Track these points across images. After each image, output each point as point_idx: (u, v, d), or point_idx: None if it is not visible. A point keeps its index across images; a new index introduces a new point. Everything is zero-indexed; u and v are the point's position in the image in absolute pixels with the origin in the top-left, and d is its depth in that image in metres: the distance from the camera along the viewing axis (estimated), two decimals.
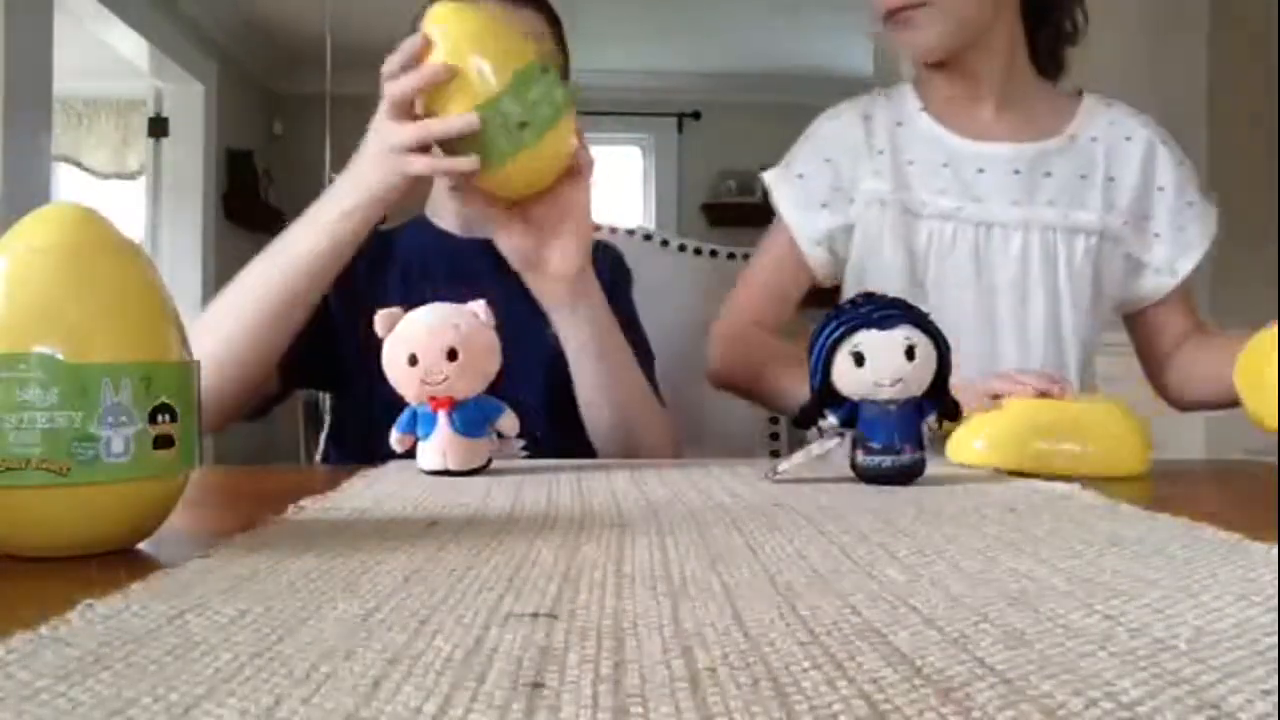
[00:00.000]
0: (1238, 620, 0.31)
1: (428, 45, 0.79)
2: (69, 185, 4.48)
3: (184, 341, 0.45)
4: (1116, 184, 1.10)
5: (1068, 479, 0.64)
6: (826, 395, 0.65)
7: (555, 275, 0.88)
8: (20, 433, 0.40)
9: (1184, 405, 1.14)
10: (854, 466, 0.66)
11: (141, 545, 0.45)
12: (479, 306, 0.71)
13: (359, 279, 0.97)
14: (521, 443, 0.91)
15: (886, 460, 0.64)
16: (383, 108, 0.82)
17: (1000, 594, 0.34)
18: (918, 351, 0.63)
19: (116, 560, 0.42)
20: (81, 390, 0.40)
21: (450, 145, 0.80)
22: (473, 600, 0.33)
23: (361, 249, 0.88)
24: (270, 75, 4.90)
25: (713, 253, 1.37)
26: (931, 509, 0.54)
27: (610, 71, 4.85)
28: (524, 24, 0.97)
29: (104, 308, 0.42)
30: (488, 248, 0.94)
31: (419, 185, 0.85)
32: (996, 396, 0.80)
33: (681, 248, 1.37)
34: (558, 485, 0.64)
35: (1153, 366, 1.17)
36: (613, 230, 1.33)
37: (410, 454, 0.71)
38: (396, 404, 0.70)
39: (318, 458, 1.16)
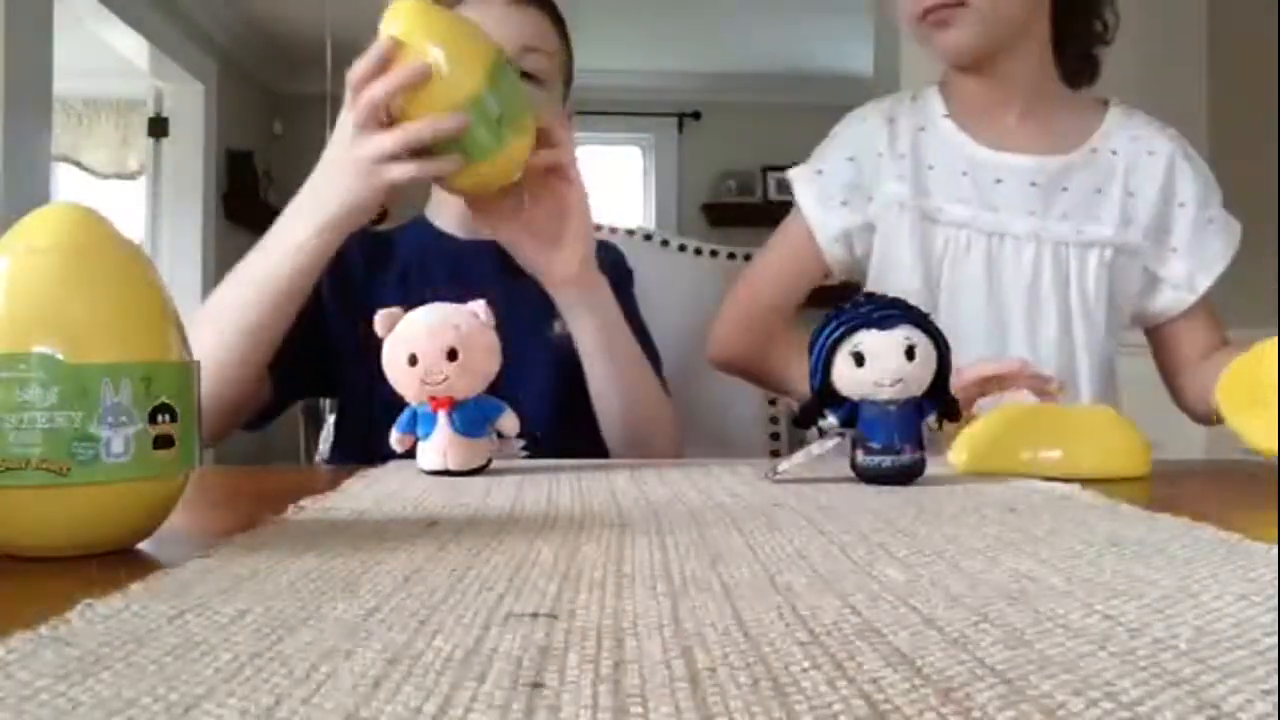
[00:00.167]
0: (1238, 620, 0.31)
1: (397, 46, 0.77)
2: (69, 185, 4.48)
3: (184, 341, 0.45)
4: (1136, 198, 1.10)
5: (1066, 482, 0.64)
6: (826, 395, 0.65)
7: (561, 279, 0.89)
8: (20, 433, 0.40)
9: (1203, 419, 1.14)
10: (854, 466, 0.66)
11: (141, 545, 0.45)
12: (479, 306, 0.71)
13: (358, 279, 0.97)
14: (521, 443, 0.91)
15: (886, 460, 0.64)
16: (351, 116, 0.79)
17: (1000, 594, 0.34)
18: (918, 351, 0.63)
19: (116, 560, 0.42)
20: (81, 390, 0.40)
21: (426, 147, 0.79)
22: (473, 600, 0.33)
23: (359, 250, 0.87)
24: (270, 75, 4.90)
25: (713, 253, 1.37)
26: (931, 509, 0.54)
27: (610, 71, 4.85)
28: (529, 23, 0.97)
29: (104, 308, 0.42)
30: (488, 248, 0.94)
31: (397, 191, 0.82)
32: (988, 382, 0.81)
33: (681, 248, 1.37)
34: (558, 485, 0.64)
35: (1172, 380, 1.16)
36: (613, 230, 1.33)
37: (410, 454, 0.71)
38: (396, 404, 0.70)
39: (318, 458, 1.16)
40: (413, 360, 0.68)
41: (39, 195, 2.75)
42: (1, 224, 0.45)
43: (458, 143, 0.79)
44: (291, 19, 4.32)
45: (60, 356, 0.40)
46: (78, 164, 4.57)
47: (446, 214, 1.06)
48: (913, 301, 0.66)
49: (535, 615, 0.31)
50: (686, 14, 4.43)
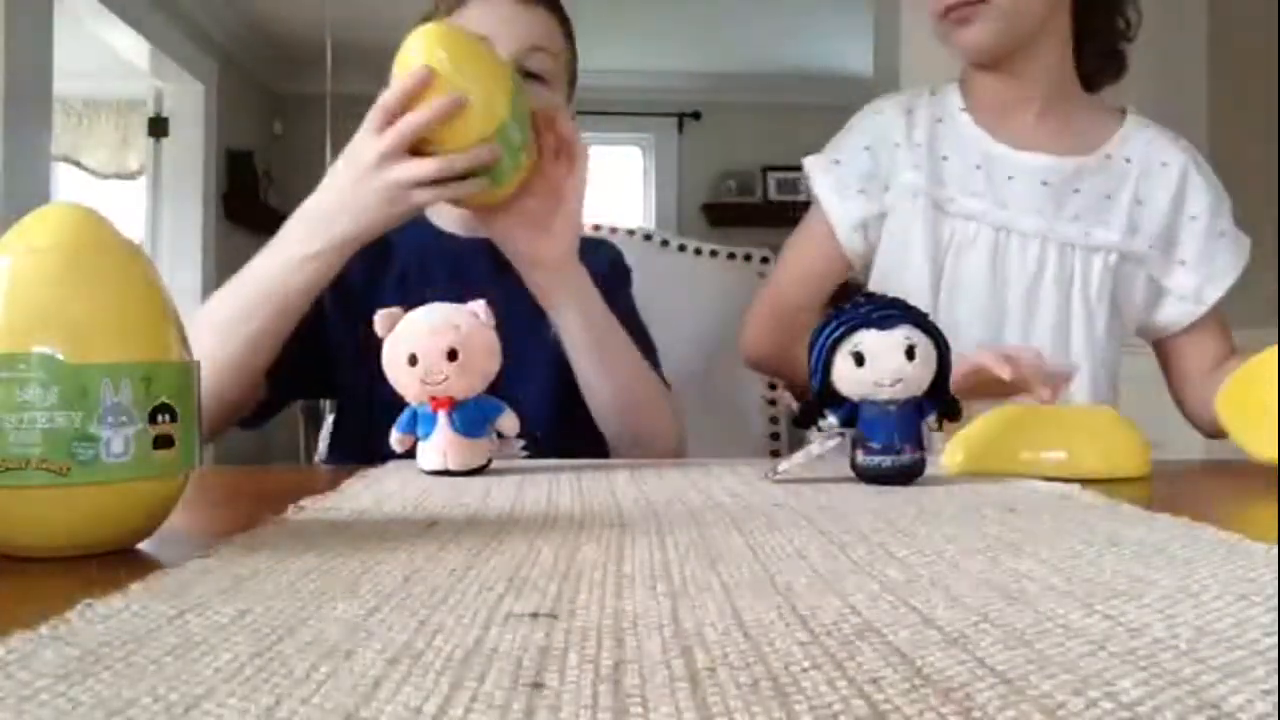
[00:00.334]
0: (1238, 620, 0.31)
1: (431, 76, 0.78)
2: (69, 185, 4.48)
3: (184, 341, 0.45)
4: (1145, 207, 1.10)
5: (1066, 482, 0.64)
6: (826, 395, 0.65)
7: (545, 262, 0.89)
8: (20, 433, 0.40)
9: (1209, 431, 1.13)
10: (854, 466, 0.66)
11: (141, 545, 0.45)
12: (479, 306, 0.71)
13: (357, 280, 0.97)
14: (521, 443, 0.91)
15: (886, 460, 0.64)
16: (377, 141, 0.80)
17: (1000, 594, 0.34)
18: (918, 351, 0.63)
19: (116, 560, 0.42)
20: (81, 390, 0.40)
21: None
22: (473, 600, 0.33)
23: (358, 252, 0.87)
24: (270, 75, 4.89)
25: (713, 253, 1.37)
26: (931, 509, 0.54)
27: (610, 71, 4.84)
28: (536, 23, 0.98)
29: (104, 308, 0.42)
30: (488, 248, 0.94)
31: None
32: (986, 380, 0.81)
33: (681, 248, 1.37)
34: (558, 485, 0.64)
35: (1178, 393, 1.16)
36: (613, 230, 1.33)
37: (410, 454, 0.71)
38: (396, 404, 0.70)
39: (317, 458, 1.16)
40: (413, 360, 0.68)
41: (39, 195, 2.75)
42: (1, 224, 0.45)
43: (484, 167, 0.81)
44: (291, 19, 4.32)
45: (60, 356, 0.40)
46: (78, 164, 4.56)
47: (446, 213, 1.06)
48: (914, 290, 0.66)
49: (535, 615, 0.31)
50: (687, 14, 4.43)
